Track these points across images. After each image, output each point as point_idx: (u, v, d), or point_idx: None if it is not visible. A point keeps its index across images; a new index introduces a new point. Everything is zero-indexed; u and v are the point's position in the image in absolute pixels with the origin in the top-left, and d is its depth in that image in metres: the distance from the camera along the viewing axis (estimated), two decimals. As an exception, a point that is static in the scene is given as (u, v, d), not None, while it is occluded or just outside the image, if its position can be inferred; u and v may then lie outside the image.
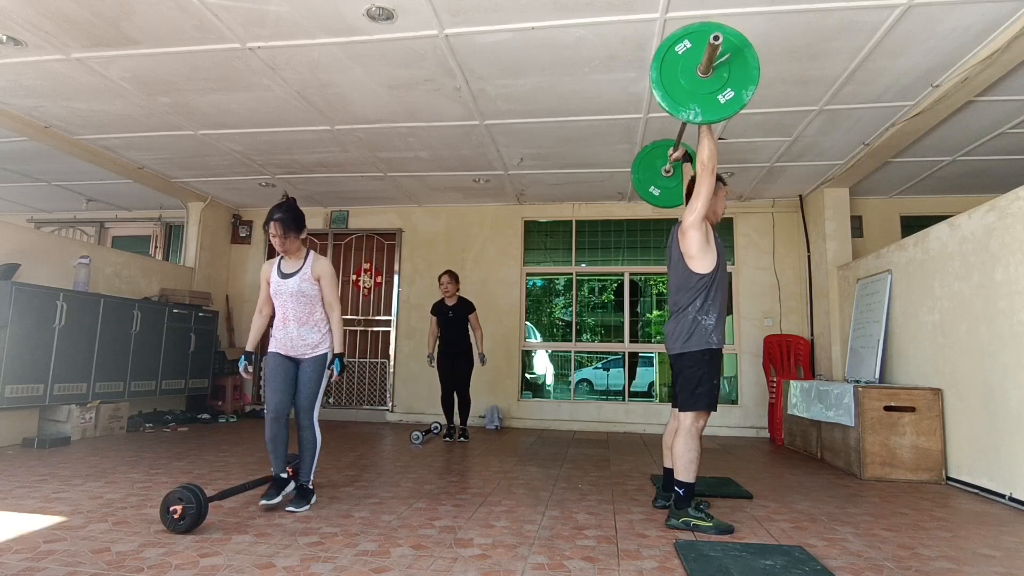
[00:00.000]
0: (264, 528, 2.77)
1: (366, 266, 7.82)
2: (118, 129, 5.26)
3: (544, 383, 8.06)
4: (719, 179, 3.18)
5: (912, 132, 4.80)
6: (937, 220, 4.61)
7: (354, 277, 7.83)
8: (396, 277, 7.65)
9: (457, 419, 5.92)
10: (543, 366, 8.58)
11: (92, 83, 4.36)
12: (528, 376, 7.81)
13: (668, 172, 3.87)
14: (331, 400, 7.61)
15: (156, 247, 8.35)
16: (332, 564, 2.32)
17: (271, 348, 3.27)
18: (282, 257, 3.30)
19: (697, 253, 3.03)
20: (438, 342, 5.93)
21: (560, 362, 7.87)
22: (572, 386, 7.45)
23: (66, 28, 3.64)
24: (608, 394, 8.54)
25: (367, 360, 7.60)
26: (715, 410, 3.05)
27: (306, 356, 3.26)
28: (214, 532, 2.69)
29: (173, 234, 8.40)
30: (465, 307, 5.92)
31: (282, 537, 2.64)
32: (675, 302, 3.16)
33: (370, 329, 7.66)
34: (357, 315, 7.74)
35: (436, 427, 6.15)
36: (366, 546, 2.55)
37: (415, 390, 7.25)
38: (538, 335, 7.99)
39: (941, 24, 3.43)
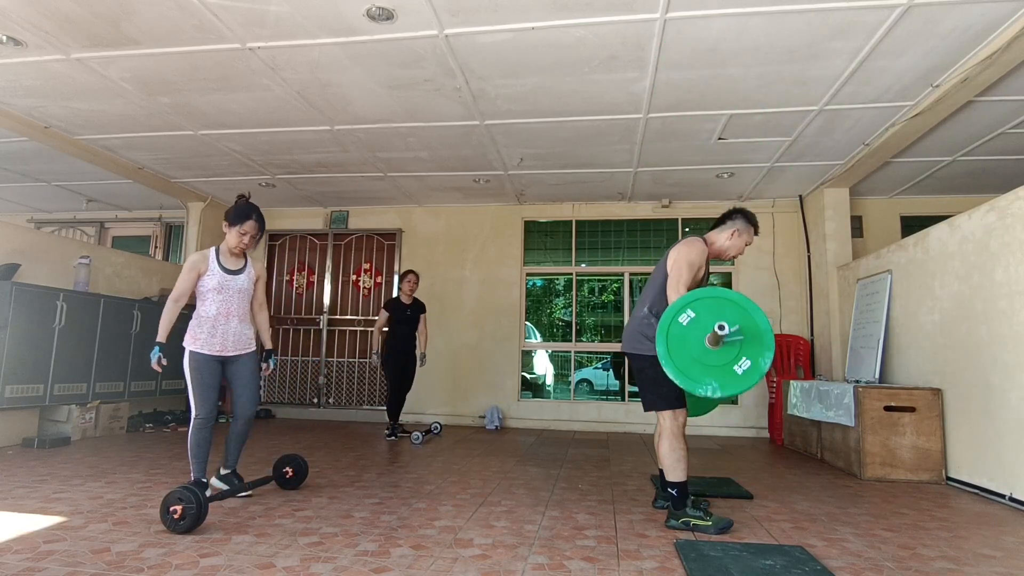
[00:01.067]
0: (264, 528, 2.77)
1: (366, 266, 7.82)
2: (118, 129, 5.26)
3: (544, 383, 8.05)
4: (752, 223, 3.19)
5: (912, 132, 4.80)
6: (937, 220, 4.61)
7: (354, 277, 7.83)
8: (396, 277, 7.65)
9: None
10: (543, 366, 8.57)
11: (92, 83, 4.36)
12: (528, 376, 7.80)
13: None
14: (331, 400, 7.62)
15: (156, 247, 8.35)
16: (332, 564, 2.32)
17: (200, 349, 3.16)
18: (218, 251, 3.26)
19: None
20: (388, 341, 5.89)
21: (560, 362, 7.86)
22: (572, 386, 7.44)
23: (66, 28, 3.64)
24: (608, 394, 8.54)
25: (367, 360, 7.60)
26: (685, 405, 3.04)
27: (243, 353, 3.30)
28: (214, 532, 2.69)
29: (173, 234, 8.40)
30: (419, 307, 6.01)
31: (282, 537, 2.64)
32: (641, 302, 3.19)
33: (370, 329, 7.66)
34: (357, 315, 7.75)
35: (436, 427, 6.15)
36: (366, 546, 2.55)
37: (415, 390, 7.23)
38: (538, 335, 7.99)
39: (941, 24, 3.43)
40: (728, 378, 2.60)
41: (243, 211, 3.22)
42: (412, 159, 5.91)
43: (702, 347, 2.63)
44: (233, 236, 3.22)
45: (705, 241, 3.17)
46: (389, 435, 5.79)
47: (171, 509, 2.64)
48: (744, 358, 2.61)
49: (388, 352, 5.89)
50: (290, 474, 3.54)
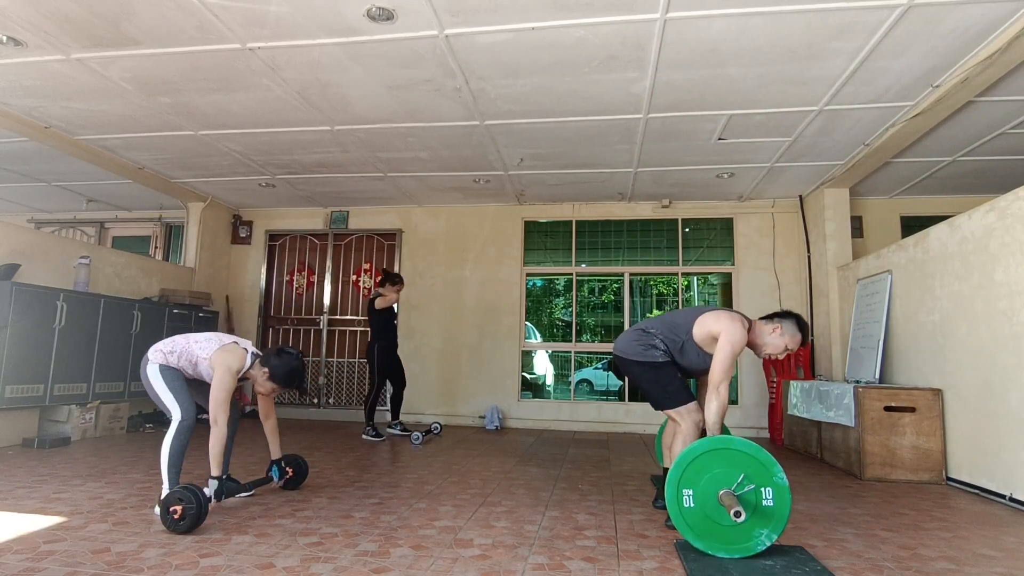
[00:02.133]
0: (264, 528, 2.77)
1: (366, 266, 7.82)
2: (118, 129, 5.26)
3: (544, 383, 8.05)
4: (802, 330, 2.96)
5: (912, 132, 4.80)
6: (937, 220, 4.61)
7: (354, 277, 7.83)
8: (395, 277, 7.63)
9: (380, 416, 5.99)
10: (543, 366, 8.56)
11: (92, 83, 4.36)
12: (528, 376, 7.80)
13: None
14: (331, 400, 7.62)
15: (156, 247, 8.35)
16: (332, 564, 2.32)
17: (171, 364, 3.08)
18: (248, 367, 3.15)
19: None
20: (379, 341, 5.89)
21: (560, 362, 7.86)
22: (572, 386, 7.45)
23: (66, 28, 3.64)
24: (608, 395, 8.54)
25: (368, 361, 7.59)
26: (695, 399, 3.02)
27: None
28: (214, 532, 2.69)
29: (173, 234, 8.40)
30: None
31: (282, 537, 2.64)
32: (650, 324, 3.14)
33: (370, 329, 7.64)
34: (357, 315, 7.74)
35: (436, 427, 6.14)
36: (366, 546, 2.55)
37: (415, 390, 7.24)
38: (538, 335, 7.98)
39: (941, 24, 3.43)
40: (768, 518, 2.50)
41: (293, 375, 3.20)
42: (412, 159, 5.91)
43: (724, 513, 2.50)
44: (267, 386, 3.21)
45: (750, 326, 2.97)
46: (376, 436, 5.67)
47: (171, 509, 2.64)
48: (762, 489, 2.52)
49: (383, 352, 5.88)
50: (290, 474, 3.54)
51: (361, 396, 7.57)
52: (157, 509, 2.91)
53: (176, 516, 2.63)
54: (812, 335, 6.59)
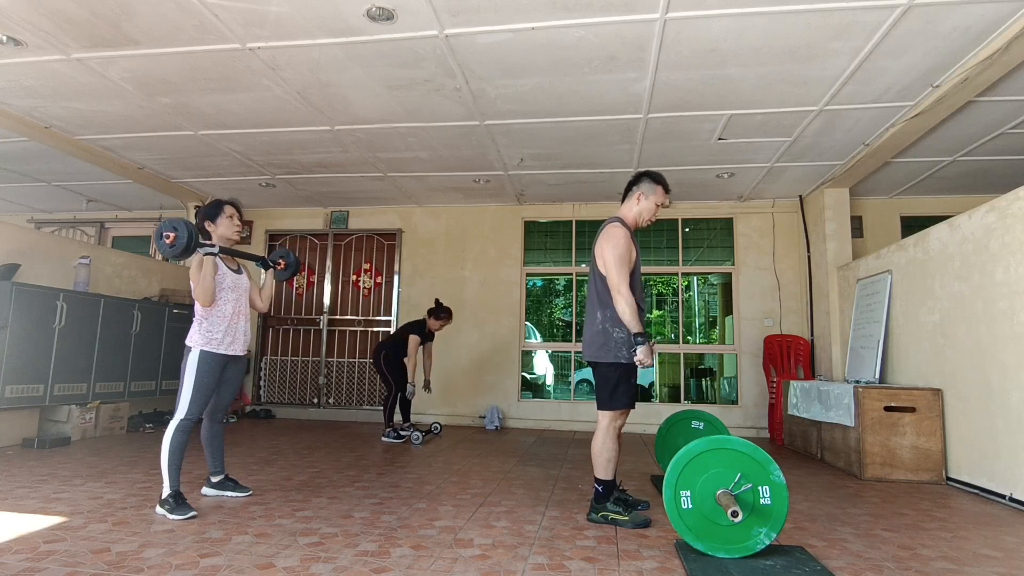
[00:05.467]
0: (264, 528, 2.77)
1: (366, 266, 7.82)
2: (118, 129, 5.27)
3: (544, 383, 8.06)
4: (658, 182, 3.17)
5: (912, 132, 4.80)
6: (937, 220, 4.61)
7: (354, 277, 7.84)
8: (396, 277, 7.65)
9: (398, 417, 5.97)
10: (543, 366, 8.56)
11: (92, 83, 4.37)
12: (528, 376, 7.80)
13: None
14: (331, 400, 7.62)
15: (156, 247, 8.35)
16: (332, 564, 2.32)
17: (215, 350, 3.10)
18: (217, 254, 3.13)
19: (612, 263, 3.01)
20: (389, 350, 5.88)
21: (560, 362, 7.87)
22: (572, 386, 7.45)
23: (66, 28, 3.64)
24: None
25: (367, 360, 7.60)
26: (633, 407, 3.08)
27: (243, 353, 3.30)
28: (214, 532, 2.69)
29: (173, 234, 8.39)
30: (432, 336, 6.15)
31: (282, 537, 2.64)
32: (592, 306, 3.17)
33: (370, 329, 7.66)
34: (357, 315, 7.75)
35: (436, 427, 6.15)
36: (366, 546, 2.55)
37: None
38: (538, 335, 7.99)
39: (941, 24, 3.43)
40: (766, 516, 2.48)
41: (216, 205, 3.24)
42: (412, 159, 5.91)
43: (722, 513, 2.48)
44: (224, 224, 3.21)
45: (622, 221, 3.16)
46: (416, 441, 5.64)
47: (164, 234, 2.80)
48: (759, 488, 2.50)
49: (388, 358, 5.86)
50: (281, 265, 3.59)
51: (361, 396, 7.58)
52: (159, 508, 2.91)
53: (169, 242, 2.78)
54: (812, 335, 6.60)
